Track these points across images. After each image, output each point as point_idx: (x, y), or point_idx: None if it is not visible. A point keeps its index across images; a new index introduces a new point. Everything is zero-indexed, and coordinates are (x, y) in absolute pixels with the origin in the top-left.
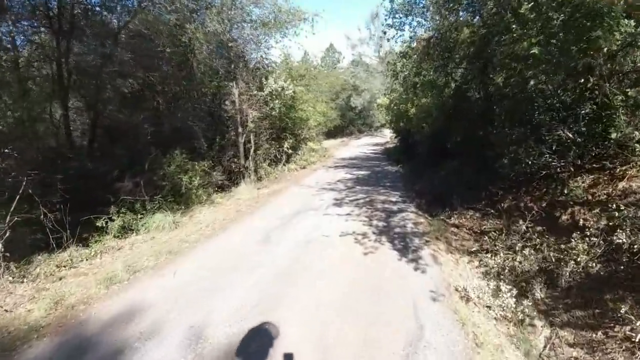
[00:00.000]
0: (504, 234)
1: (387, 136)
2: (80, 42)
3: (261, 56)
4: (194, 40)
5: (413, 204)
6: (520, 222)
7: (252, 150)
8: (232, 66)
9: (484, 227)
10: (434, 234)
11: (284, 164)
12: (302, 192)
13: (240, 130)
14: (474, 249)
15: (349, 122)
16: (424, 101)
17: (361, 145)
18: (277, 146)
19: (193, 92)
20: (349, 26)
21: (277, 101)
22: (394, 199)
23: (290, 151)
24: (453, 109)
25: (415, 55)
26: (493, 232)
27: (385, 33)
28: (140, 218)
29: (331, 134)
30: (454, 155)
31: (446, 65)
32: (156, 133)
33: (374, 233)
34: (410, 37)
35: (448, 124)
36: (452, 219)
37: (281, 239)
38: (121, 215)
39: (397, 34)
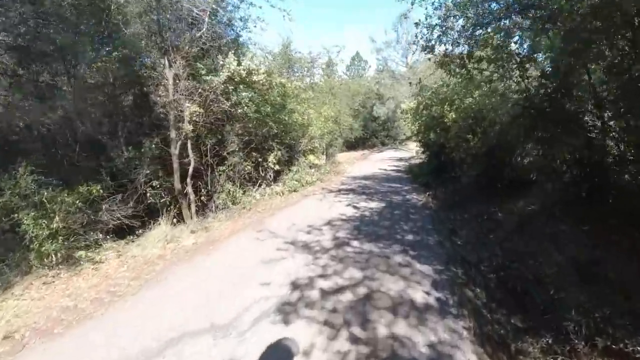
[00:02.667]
0: None
1: (412, 150)
2: None
3: (227, 19)
4: None
5: (468, 316)
6: None
7: (191, 167)
8: (161, 28)
9: None
10: None
11: (267, 185)
12: (245, 257)
13: (174, 134)
14: None
15: (372, 133)
16: (470, 101)
17: (382, 160)
18: (258, 160)
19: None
20: (376, 29)
21: (245, 93)
22: (423, 295)
23: (277, 167)
24: (544, 111)
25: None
26: None
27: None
28: None
29: (352, 145)
30: (531, 186)
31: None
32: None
33: None
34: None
35: (529, 135)
36: None
37: None
38: None
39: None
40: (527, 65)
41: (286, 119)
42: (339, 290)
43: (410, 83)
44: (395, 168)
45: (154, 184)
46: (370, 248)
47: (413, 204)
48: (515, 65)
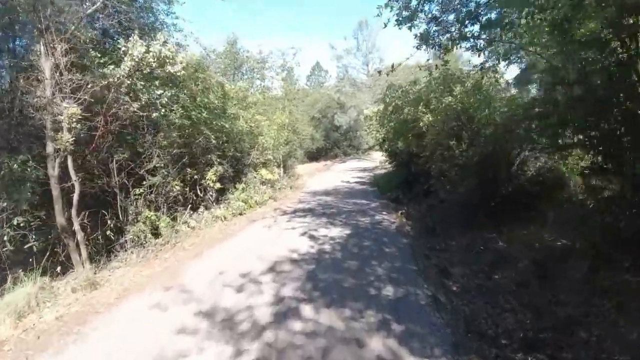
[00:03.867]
0: None
1: (376, 160)
2: None
3: None
4: None
5: None
6: None
7: (76, 194)
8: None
9: None
10: None
11: (207, 208)
12: (121, 355)
13: (51, 148)
14: None
15: (333, 143)
16: (449, 100)
17: (345, 171)
18: (194, 178)
19: None
20: (336, 37)
21: (162, 92)
22: None
23: (218, 185)
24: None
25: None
26: None
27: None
28: None
29: (313, 156)
30: (544, 207)
31: None
32: None
33: None
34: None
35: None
36: None
37: None
38: None
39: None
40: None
41: (227, 126)
42: None
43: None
44: (359, 180)
45: (16, 222)
46: (330, 321)
47: (385, 227)
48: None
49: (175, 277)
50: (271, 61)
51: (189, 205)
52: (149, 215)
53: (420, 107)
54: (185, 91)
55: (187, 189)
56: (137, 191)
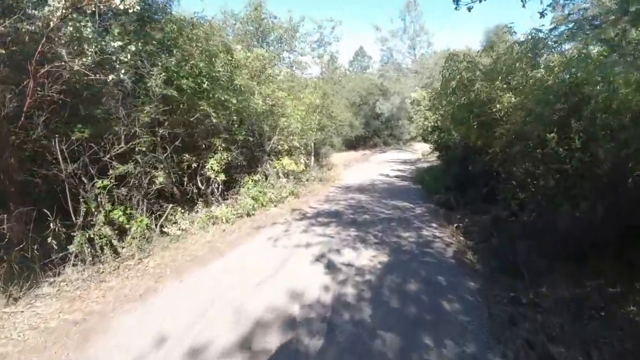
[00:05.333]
0: None
1: (418, 151)
2: None
3: None
4: None
5: None
6: None
7: None
8: None
9: None
10: None
11: (208, 205)
12: None
13: None
14: None
15: (374, 132)
16: (547, 71)
17: (385, 162)
18: (192, 166)
19: None
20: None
21: (121, 43)
22: None
23: (221, 177)
24: None
25: None
26: None
27: None
28: None
29: (352, 145)
30: None
31: None
32: None
33: None
34: None
35: None
36: None
37: None
38: None
39: None
40: None
41: (234, 102)
42: None
43: (417, 72)
44: (400, 174)
45: None
46: None
47: (438, 253)
48: None
49: (83, 347)
50: (303, 31)
51: (185, 201)
52: (112, 215)
53: (497, 83)
54: (176, 52)
55: (186, 179)
56: (100, 183)
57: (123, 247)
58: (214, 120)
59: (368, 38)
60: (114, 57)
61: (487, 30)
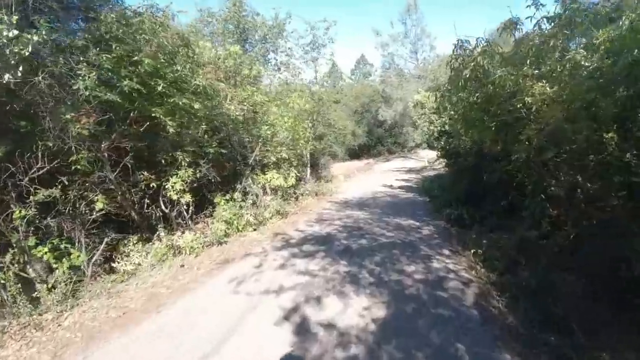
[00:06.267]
0: None
1: (423, 159)
2: None
3: None
4: None
5: None
6: None
7: None
8: None
9: None
10: None
11: (171, 232)
12: None
13: None
14: None
15: (377, 140)
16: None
17: (389, 171)
18: (152, 186)
19: None
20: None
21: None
22: None
23: (186, 197)
24: None
25: None
26: None
27: None
28: None
29: (355, 154)
30: None
31: None
32: None
33: None
34: None
35: None
36: None
37: None
38: None
39: None
40: None
41: (196, 107)
42: None
43: (420, 77)
44: (405, 184)
45: None
46: None
47: (455, 301)
48: None
49: None
50: (290, 29)
51: (147, 228)
52: (36, 252)
53: (526, 69)
54: (116, 47)
55: (147, 201)
56: (17, 213)
57: (49, 292)
58: (170, 130)
59: (369, 46)
60: (7, 51)
61: (490, 30)
